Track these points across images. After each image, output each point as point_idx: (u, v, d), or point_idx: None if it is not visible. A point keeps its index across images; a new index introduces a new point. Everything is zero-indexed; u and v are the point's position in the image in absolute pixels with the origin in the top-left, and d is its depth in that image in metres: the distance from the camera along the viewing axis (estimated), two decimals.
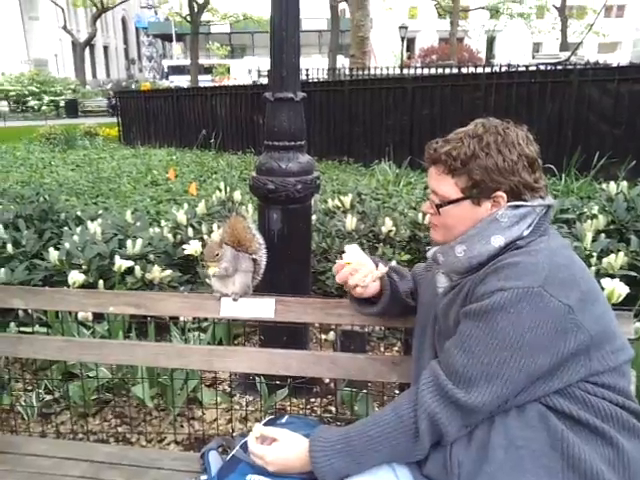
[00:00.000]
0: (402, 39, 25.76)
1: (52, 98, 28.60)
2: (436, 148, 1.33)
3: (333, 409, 2.69)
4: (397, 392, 2.51)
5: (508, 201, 1.28)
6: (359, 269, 1.54)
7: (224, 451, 1.73)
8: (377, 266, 1.57)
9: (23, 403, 2.65)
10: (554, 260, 1.20)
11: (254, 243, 1.81)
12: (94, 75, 49.98)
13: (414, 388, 1.27)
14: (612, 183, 4.36)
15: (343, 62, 23.42)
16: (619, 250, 3.18)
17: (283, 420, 1.63)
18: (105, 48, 55.75)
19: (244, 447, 1.48)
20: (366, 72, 12.69)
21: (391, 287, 1.57)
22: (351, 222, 4.04)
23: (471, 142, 1.28)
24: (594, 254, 3.17)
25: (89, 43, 38.37)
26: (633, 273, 2.99)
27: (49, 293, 1.93)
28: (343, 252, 1.59)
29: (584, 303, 1.16)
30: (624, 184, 4.30)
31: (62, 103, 27.91)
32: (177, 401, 2.54)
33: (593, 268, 3.02)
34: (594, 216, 3.77)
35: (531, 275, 1.16)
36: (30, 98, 28.51)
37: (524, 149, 1.28)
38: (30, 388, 2.83)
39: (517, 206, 1.28)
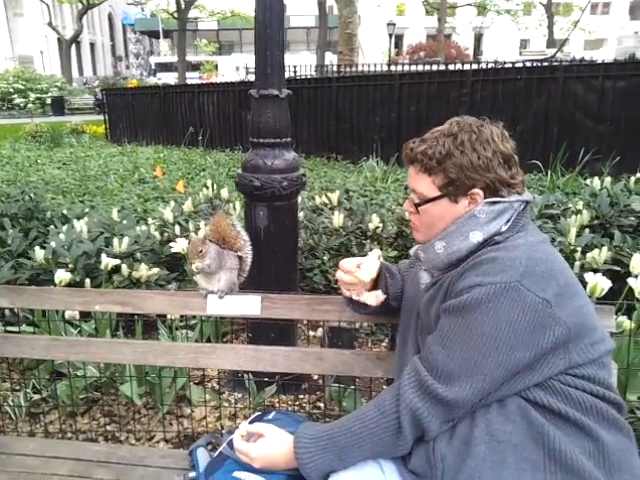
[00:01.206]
0: (390, 36, 25.77)
1: (38, 96, 28.32)
2: (412, 148, 1.35)
3: (322, 405, 2.70)
4: (384, 387, 2.52)
5: (485, 198, 1.30)
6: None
7: (213, 448, 1.73)
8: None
9: (11, 403, 2.64)
10: (532, 255, 1.21)
11: (239, 240, 1.82)
12: (81, 72, 49.58)
13: (396, 384, 1.28)
14: (596, 179, 4.41)
15: (331, 59, 23.42)
16: (603, 245, 3.22)
17: (270, 416, 1.64)
18: (92, 45, 55.35)
19: (231, 444, 1.49)
20: (354, 69, 12.71)
21: (386, 291, 1.58)
22: (338, 219, 4.05)
23: (446, 141, 1.29)
24: (578, 249, 3.20)
25: (75, 40, 38.02)
26: (617, 267, 3.03)
27: (34, 292, 1.92)
28: (365, 254, 1.56)
29: (562, 297, 1.18)
30: (608, 179, 4.35)
31: (48, 101, 27.65)
32: (166, 399, 2.54)
33: (577, 263, 3.05)
34: (578, 211, 3.82)
35: (508, 270, 1.18)
36: (16, 96, 28.20)
37: (499, 146, 1.29)
38: (18, 388, 2.81)
39: (494, 202, 1.29)
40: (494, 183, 1.29)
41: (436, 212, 1.34)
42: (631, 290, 2.26)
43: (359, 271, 1.50)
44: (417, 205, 1.37)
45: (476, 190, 1.29)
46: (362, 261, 1.53)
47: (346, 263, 1.54)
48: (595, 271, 2.34)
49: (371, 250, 1.59)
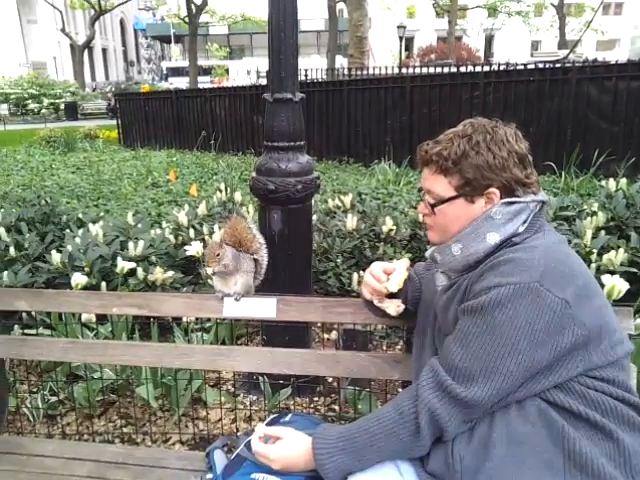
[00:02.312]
0: (400, 38, 25.75)
1: (52, 101, 28.64)
2: (427, 150, 1.36)
3: (337, 408, 2.70)
4: (400, 390, 2.52)
5: (501, 197, 1.30)
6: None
7: (229, 450, 1.74)
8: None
9: (29, 405, 2.67)
10: (550, 256, 1.21)
11: (255, 243, 1.83)
12: (93, 78, 50.03)
13: (414, 385, 1.28)
14: (611, 180, 4.37)
15: (342, 62, 23.43)
16: (619, 247, 3.20)
17: (287, 418, 1.65)
18: (104, 50, 55.81)
19: (248, 446, 1.49)
20: (365, 72, 12.70)
21: (405, 299, 1.58)
22: (352, 221, 4.05)
23: (461, 142, 1.30)
24: (594, 251, 3.18)
25: (88, 45, 38.34)
26: (633, 269, 3.01)
27: (52, 295, 1.94)
28: (380, 257, 1.57)
29: (581, 298, 1.18)
30: (623, 181, 4.32)
31: (62, 106, 27.97)
32: (181, 401, 2.56)
33: (593, 265, 3.03)
34: (594, 213, 3.79)
35: (527, 271, 1.18)
36: (30, 101, 28.55)
37: (513, 146, 1.30)
38: (35, 390, 2.84)
39: (511, 203, 1.30)
40: (510, 183, 1.29)
41: (452, 212, 1.34)
42: None
43: (389, 282, 1.50)
44: (433, 205, 1.37)
45: (492, 190, 1.30)
46: (392, 268, 1.53)
47: (376, 270, 1.54)
48: (612, 273, 2.33)
49: (396, 259, 1.59)
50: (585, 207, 4.13)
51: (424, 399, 1.22)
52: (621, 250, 3.04)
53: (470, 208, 1.33)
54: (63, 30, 37.67)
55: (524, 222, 1.30)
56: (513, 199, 1.30)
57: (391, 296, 1.56)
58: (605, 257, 3.05)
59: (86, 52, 39.90)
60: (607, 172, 6.79)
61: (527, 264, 1.19)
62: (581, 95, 8.66)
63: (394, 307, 1.55)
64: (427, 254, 1.49)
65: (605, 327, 1.21)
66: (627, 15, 46.92)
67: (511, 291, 1.17)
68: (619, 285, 2.20)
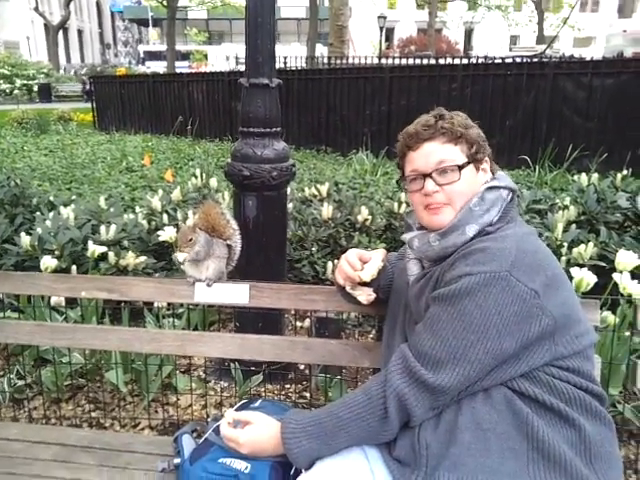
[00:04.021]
0: (381, 29, 25.69)
1: (24, 82, 27.97)
2: (431, 124, 1.35)
3: (308, 395, 2.71)
4: (370, 377, 2.54)
5: (490, 169, 1.39)
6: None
7: (198, 436, 1.73)
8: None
9: None
10: (521, 246, 1.23)
11: (228, 229, 1.82)
12: (68, 59, 48.99)
13: (384, 371, 1.29)
14: (583, 175, 4.45)
15: (322, 51, 23.31)
16: (589, 240, 3.25)
17: (257, 404, 1.65)
18: (79, 32, 54.63)
19: (217, 431, 1.49)
20: (344, 61, 12.67)
21: (377, 285, 1.59)
22: (327, 210, 4.05)
23: (455, 117, 1.37)
24: (565, 244, 3.23)
25: (62, 26, 37.50)
26: (602, 263, 3.06)
27: (19, 277, 1.90)
28: (355, 245, 1.56)
29: (549, 288, 1.20)
30: (595, 176, 4.39)
31: (35, 87, 27.34)
32: (151, 387, 2.54)
33: (563, 258, 3.08)
34: (565, 207, 3.85)
35: (498, 260, 1.19)
36: (1, 81, 27.81)
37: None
38: (2, 373, 2.80)
39: (489, 189, 1.34)
40: (489, 156, 1.39)
41: (466, 179, 1.34)
42: (616, 286, 2.29)
43: (362, 272, 1.50)
44: (460, 168, 1.32)
45: (486, 158, 1.39)
46: (368, 257, 1.53)
47: (352, 257, 1.54)
48: (581, 266, 2.37)
49: (370, 249, 1.59)
50: (557, 201, 4.19)
51: (392, 384, 1.23)
52: (591, 244, 3.10)
53: (475, 178, 1.37)
54: (37, 9, 36.69)
55: (497, 212, 1.32)
56: (494, 184, 1.35)
57: (364, 284, 1.56)
58: (575, 250, 3.10)
59: (61, 33, 39.04)
60: (580, 167, 6.90)
61: (498, 253, 1.21)
62: (557, 90, 8.77)
63: (365, 295, 1.56)
64: (406, 238, 1.46)
65: (571, 317, 1.23)
66: (603, 13, 47.46)
67: (481, 279, 1.19)
68: (587, 278, 2.24)
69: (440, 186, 1.33)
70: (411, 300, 1.42)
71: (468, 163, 1.35)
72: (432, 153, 1.35)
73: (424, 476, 1.20)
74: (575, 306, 1.27)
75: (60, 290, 1.89)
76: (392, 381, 1.23)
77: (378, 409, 1.24)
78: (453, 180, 1.33)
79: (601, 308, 2.06)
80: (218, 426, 1.47)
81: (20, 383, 2.66)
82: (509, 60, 10.20)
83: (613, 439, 1.26)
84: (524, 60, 10.18)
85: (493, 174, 1.40)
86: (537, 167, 7.21)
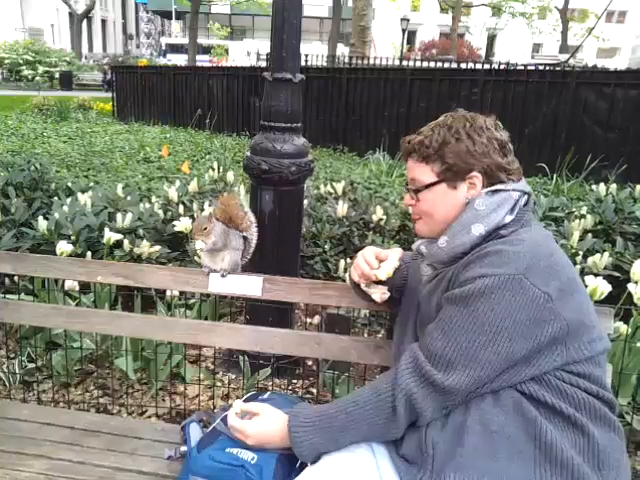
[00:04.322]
0: (403, 31, 25.60)
1: (47, 69, 28.16)
2: (410, 140, 1.41)
3: (314, 391, 2.72)
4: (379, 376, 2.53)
5: (483, 182, 1.32)
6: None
7: (205, 425, 1.74)
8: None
9: (5, 370, 2.65)
10: (536, 250, 1.22)
11: (245, 221, 1.82)
12: (90, 49, 49.25)
13: (393, 369, 1.29)
14: (602, 185, 4.41)
15: (343, 50, 23.31)
16: (604, 250, 3.23)
17: (265, 396, 1.66)
18: (103, 22, 54.93)
19: (225, 420, 1.50)
20: (365, 62, 12.64)
21: (391, 284, 1.59)
22: (342, 208, 4.05)
23: (441, 130, 1.35)
24: (580, 253, 3.21)
25: (87, 15, 37.73)
26: (616, 273, 3.04)
27: (37, 259, 1.92)
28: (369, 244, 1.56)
29: (563, 293, 1.19)
30: (613, 186, 4.35)
31: (57, 75, 27.53)
32: (160, 375, 2.55)
33: (578, 266, 3.06)
34: (582, 216, 3.82)
35: (513, 263, 1.19)
36: (24, 67, 28.04)
37: (494, 133, 1.34)
38: (13, 355, 2.83)
39: (494, 192, 1.31)
40: (491, 167, 1.32)
41: (435, 198, 1.37)
42: (629, 296, 2.27)
43: (379, 270, 1.50)
44: (416, 191, 1.40)
45: (474, 174, 1.32)
46: (384, 255, 1.53)
47: (369, 254, 1.54)
48: (595, 275, 2.35)
49: (384, 249, 1.59)
50: (574, 210, 4.16)
51: (402, 383, 1.23)
52: (606, 254, 3.07)
53: (452, 194, 1.35)
54: None
55: (510, 213, 1.30)
56: (496, 187, 1.32)
57: (379, 282, 1.56)
58: (590, 259, 3.08)
59: (85, 22, 39.29)
60: (598, 177, 6.82)
61: (513, 256, 1.20)
62: (578, 100, 8.70)
63: (380, 294, 1.56)
64: (414, 247, 1.49)
65: (585, 323, 1.22)
66: (630, 24, 47.01)
67: (495, 282, 1.18)
68: (602, 287, 2.22)
69: (413, 200, 1.41)
70: (423, 300, 1.42)
71: (437, 182, 1.35)
72: (409, 169, 1.43)
73: (430, 475, 1.20)
74: (589, 312, 1.26)
75: (77, 274, 1.91)
76: (402, 380, 1.23)
77: (386, 407, 1.24)
78: (419, 199, 1.39)
79: (614, 317, 2.05)
80: (226, 416, 1.48)
81: (31, 366, 2.69)
82: (531, 68, 10.12)
83: (622, 447, 1.26)
84: (546, 68, 10.11)
85: (517, 182, 1.35)
86: (555, 175, 7.15)
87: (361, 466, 1.27)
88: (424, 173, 1.37)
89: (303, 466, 1.34)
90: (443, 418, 1.25)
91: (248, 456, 1.39)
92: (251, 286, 1.80)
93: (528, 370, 1.20)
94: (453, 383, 1.19)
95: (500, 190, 1.32)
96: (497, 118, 1.39)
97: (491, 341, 1.18)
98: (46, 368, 2.72)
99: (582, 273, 2.95)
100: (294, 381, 2.79)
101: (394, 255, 1.54)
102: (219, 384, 2.74)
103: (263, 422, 1.37)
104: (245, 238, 1.83)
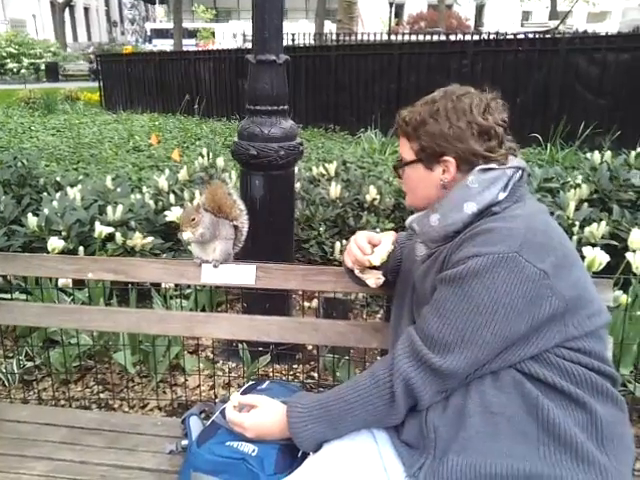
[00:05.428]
0: (390, 5, 25.33)
1: (32, 61, 27.78)
2: (399, 113, 1.40)
3: (315, 375, 2.71)
4: (379, 358, 2.52)
5: (458, 167, 1.29)
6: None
7: (206, 417, 1.73)
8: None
9: (4, 370, 2.64)
10: (530, 225, 1.19)
11: (235, 209, 1.79)
12: (75, 38, 48.62)
13: (391, 354, 1.27)
14: (596, 153, 4.37)
15: (330, 28, 22.99)
16: (601, 219, 3.21)
17: (264, 385, 1.64)
18: (85, 9, 54.10)
19: (224, 413, 1.48)
20: (353, 38, 12.50)
21: (386, 268, 1.56)
22: (335, 190, 4.01)
23: (425, 109, 1.32)
24: (576, 223, 3.19)
25: (68, 4, 37.17)
26: (614, 242, 3.02)
27: (26, 259, 1.89)
28: (362, 227, 1.54)
29: (560, 268, 1.16)
30: (608, 154, 4.31)
31: (42, 66, 27.20)
32: (159, 368, 2.54)
33: (575, 237, 3.04)
34: (577, 185, 3.79)
35: (507, 241, 1.16)
36: (8, 60, 27.65)
37: (476, 117, 1.27)
38: (11, 355, 2.81)
39: (486, 170, 1.27)
40: (465, 154, 1.28)
41: (414, 176, 1.38)
42: (628, 265, 2.25)
43: (372, 256, 1.47)
44: (396, 167, 1.43)
45: (447, 158, 1.29)
46: (377, 240, 1.50)
47: (361, 240, 1.51)
48: (593, 245, 2.33)
49: (379, 228, 1.57)
50: (569, 179, 4.12)
51: (399, 368, 1.21)
52: (603, 223, 3.05)
53: (430, 175, 1.34)
54: None
55: (504, 189, 1.27)
56: (489, 166, 1.27)
57: (373, 267, 1.53)
58: (587, 230, 3.06)
59: (67, 11, 38.72)
60: (592, 145, 6.79)
61: (506, 234, 1.17)
62: (570, 67, 8.61)
63: (374, 279, 1.53)
64: (406, 223, 1.46)
65: (583, 298, 1.20)
66: None
67: (489, 261, 1.15)
68: (600, 257, 2.21)
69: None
70: (417, 280, 1.40)
71: (415, 162, 1.35)
72: (400, 145, 1.42)
73: (433, 459, 1.19)
74: (587, 286, 1.24)
75: (67, 271, 1.88)
76: (399, 365, 1.21)
77: (385, 393, 1.22)
78: (402, 175, 1.42)
79: (613, 287, 2.03)
80: (224, 409, 1.46)
81: (29, 365, 2.67)
82: (521, 36, 10.01)
83: (625, 420, 1.24)
84: (536, 36, 10.00)
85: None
86: (548, 145, 7.11)
87: (363, 453, 1.26)
88: (405, 150, 1.38)
89: (305, 456, 1.33)
90: (443, 401, 1.23)
91: (248, 448, 1.38)
92: (244, 275, 1.78)
93: (527, 349, 1.18)
94: (451, 366, 1.17)
95: (494, 169, 1.28)
96: (487, 89, 1.33)
97: (487, 322, 1.15)
98: (45, 366, 2.71)
99: (579, 243, 2.93)
100: (295, 366, 2.78)
101: (387, 239, 1.51)
102: (219, 373, 2.73)
103: (261, 414, 1.35)
104: (236, 227, 1.80)
